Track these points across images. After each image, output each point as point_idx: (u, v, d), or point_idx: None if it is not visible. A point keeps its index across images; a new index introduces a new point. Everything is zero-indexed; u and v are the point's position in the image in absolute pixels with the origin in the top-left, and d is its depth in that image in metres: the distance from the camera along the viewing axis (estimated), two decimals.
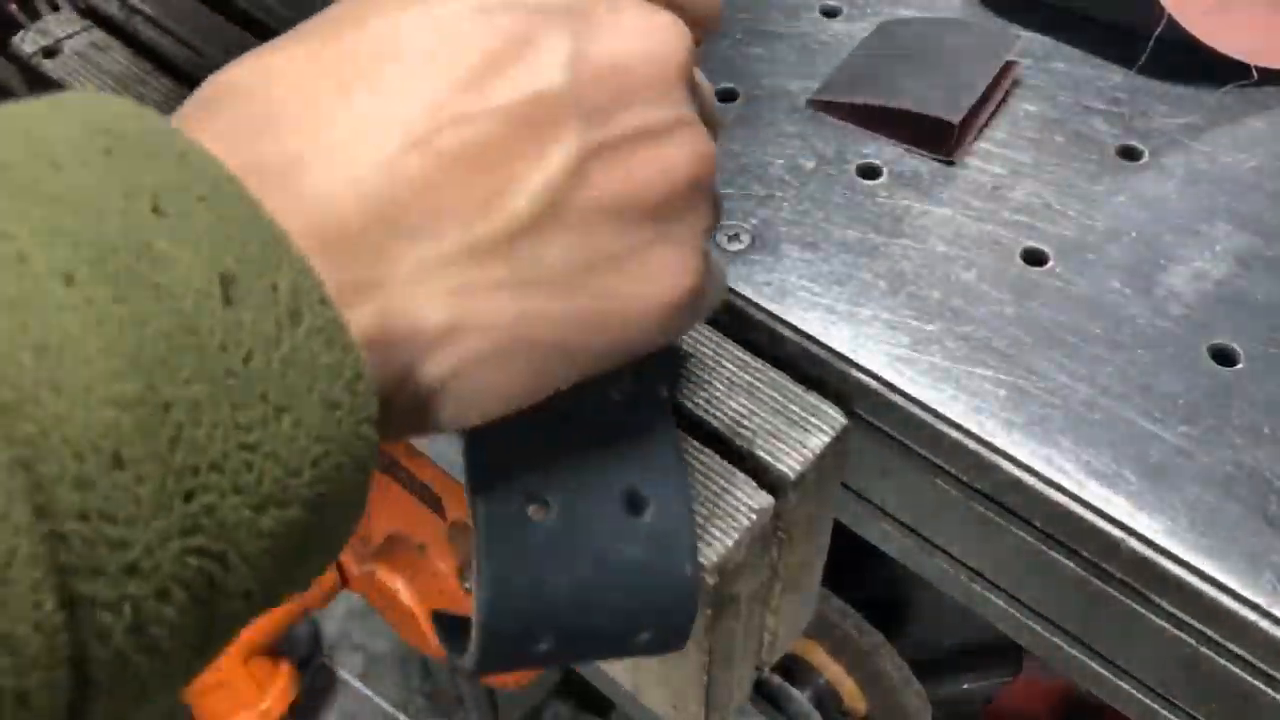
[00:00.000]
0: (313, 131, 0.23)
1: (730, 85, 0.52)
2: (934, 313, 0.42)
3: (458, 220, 0.24)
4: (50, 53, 0.58)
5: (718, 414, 0.40)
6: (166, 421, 0.19)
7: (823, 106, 0.50)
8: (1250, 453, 0.37)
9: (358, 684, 1.34)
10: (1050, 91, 0.51)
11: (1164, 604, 0.36)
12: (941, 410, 0.39)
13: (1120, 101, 0.51)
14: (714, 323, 0.43)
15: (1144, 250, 0.44)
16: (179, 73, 0.57)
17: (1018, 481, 0.37)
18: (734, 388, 0.41)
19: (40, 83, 0.59)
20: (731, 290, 0.43)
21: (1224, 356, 0.40)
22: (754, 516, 0.38)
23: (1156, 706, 0.39)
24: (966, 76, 0.48)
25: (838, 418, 0.40)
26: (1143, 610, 0.37)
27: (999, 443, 0.38)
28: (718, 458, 0.39)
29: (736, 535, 0.37)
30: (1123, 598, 0.37)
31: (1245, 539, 0.35)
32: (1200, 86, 0.51)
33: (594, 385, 0.28)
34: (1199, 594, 0.34)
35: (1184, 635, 0.36)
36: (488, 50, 0.24)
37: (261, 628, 1.06)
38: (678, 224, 0.27)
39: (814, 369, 0.41)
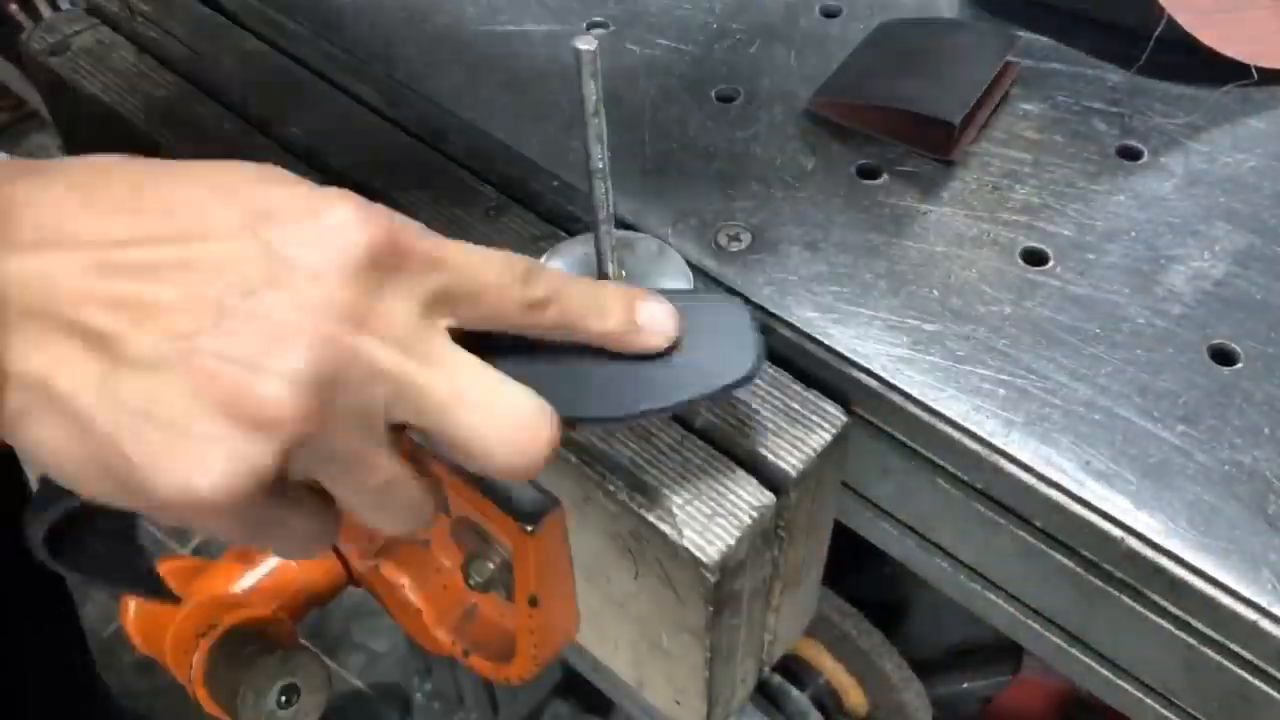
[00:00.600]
0: None
1: (730, 85, 0.52)
2: (934, 313, 0.42)
3: None
4: (57, 50, 0.58)
5: (719, 412, 0.41)
6: None
7: (823, 106, 0.51)
8: (1250, 452, 0.37)
9: (358, 683, 1.35)
10: (1050, 91, 0.51)
11: (1163, 603, 0.36)
12: (941, 410, 0.39)
13: (1120, 101, 0.51)
14: None
15: (1143, 250, 0.44)
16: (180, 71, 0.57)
17: (1017, 481, 0.38)
18: None
19: (44, 81, 0.60)
20: (732, 290, 0.43)
21: (1223, 356, 0.40)
22: (756, 514, 0.38)
23: (1156, 706, 0.40)
24: (966, 76, 0.49)
25: (839, 415, 0.40)
26: (1142, 609, 0.37)
27: (999, 442, 0.38)
28: (720, 455, 0.39)
29: (738, 533, 0.37)
30: (1122, 597, 0.37)
31: (1245, 538, 0.35)
32: (1200, 86, 0.51)
33: None
34: (1198, 593, 0.34)
35: (1183, 634, 0.36)
36: None
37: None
38: None
39: (814, 369, 0.42)
